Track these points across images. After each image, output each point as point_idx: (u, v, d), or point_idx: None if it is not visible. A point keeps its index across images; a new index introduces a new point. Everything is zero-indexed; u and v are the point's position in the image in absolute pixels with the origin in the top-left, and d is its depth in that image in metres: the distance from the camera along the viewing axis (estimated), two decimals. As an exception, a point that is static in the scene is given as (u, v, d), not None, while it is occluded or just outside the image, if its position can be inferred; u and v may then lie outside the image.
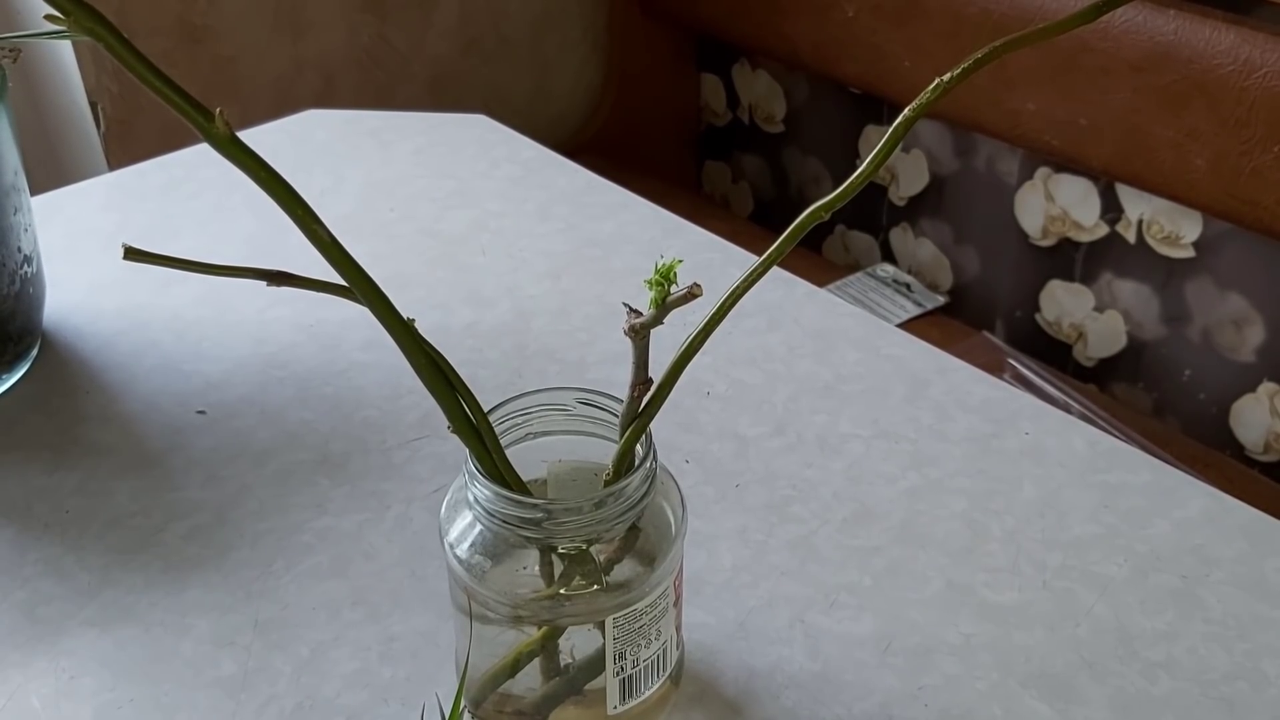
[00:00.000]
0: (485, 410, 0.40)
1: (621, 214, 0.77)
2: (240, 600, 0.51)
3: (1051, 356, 1.35)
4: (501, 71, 1.53)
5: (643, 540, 0.42)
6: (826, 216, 0.38)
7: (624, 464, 0.41)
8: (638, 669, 0.43)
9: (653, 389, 0.40)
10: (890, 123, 0.45)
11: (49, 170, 1.31)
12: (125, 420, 0.60)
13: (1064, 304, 1.34)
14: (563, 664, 0.43)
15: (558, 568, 0.41)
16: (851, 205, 0.42)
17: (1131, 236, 1.25)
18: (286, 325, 0.67)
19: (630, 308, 0.38)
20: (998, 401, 0.62)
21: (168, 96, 0.34)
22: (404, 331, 0.38)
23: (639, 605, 0.41)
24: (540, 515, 0.40)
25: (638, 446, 0.41)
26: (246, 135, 0.75)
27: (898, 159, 1.45)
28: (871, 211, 1.52)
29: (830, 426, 0.60)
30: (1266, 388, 1.20)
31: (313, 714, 0.46)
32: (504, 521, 0.40)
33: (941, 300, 1.39)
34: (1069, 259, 1.32)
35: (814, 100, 1.55)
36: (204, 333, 0.66)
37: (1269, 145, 1.05)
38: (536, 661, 0.43)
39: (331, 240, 0.36)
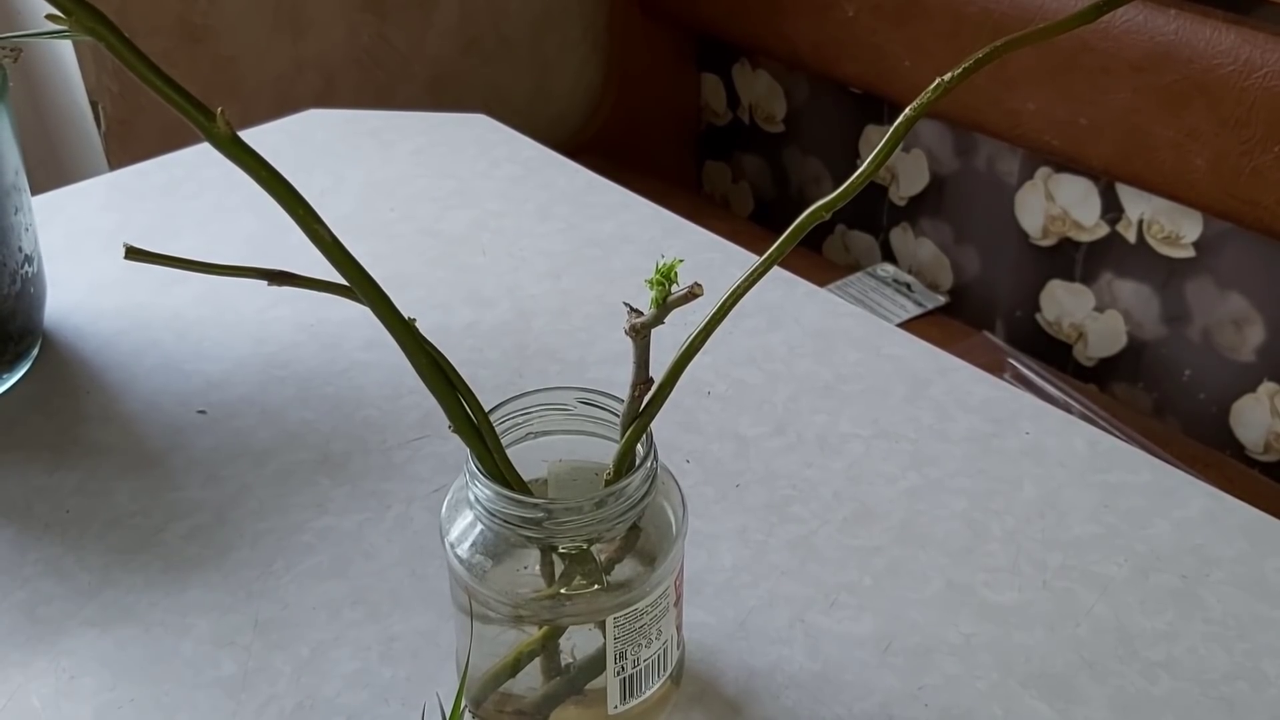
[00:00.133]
0: (486, 410, 0.40)
1: (621, 214, 0.77)
2: (240, 600, 0.51)
3: (1051, 356, 1.35)
4: (501, 71, 1.53)
5: (643, 540, 0.42)
6: (827, 216, 0.38)
7: (625, 464, 0.41)
8: (638, 668, 0.43)
9: (653, 389, 0.40)
10: (890, 123, 0.45)
11: (49, 170, 1.31)
12: (125, 420, 0.60)
13: (1064, 304, 1.34)
14: (563, 664, 0.43)
15: (558, 567, 0.41)
16: (852, 205, 0.42)
17: (1132, 236, 1.25)
18: (287, 325, 0.67)
19: (631, 307, 0.38)
20: (998, 401, 0.62)
21: (168, 96, 0.34)
22: (405, 331, 0.38)
23: (640, 605, 0.41)
24: (541, 515, 0.40)
25: (638, 446, 0.41)
26: (247, 135, 0.75)
27: (898, 159, 1.45)
28: (872, 211, 1.52)
29: (830, 426, 0.60)
30: (1266, 388, 1.20)
31: (313, 714, 0.46)
32: (505, 521, 0.40)
33: (942, 300, 1.39)
34: (1069, 259, 1.32)
35: (814, 100, 1.55)
36: (204, 332, 0.66)
37: (1269, 145, 1.05)
38: (537, 661, 0.43)
39: (332, 240, 0.36)
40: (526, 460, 0.42)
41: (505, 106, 1.51)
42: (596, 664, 0.42)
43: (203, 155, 0.82)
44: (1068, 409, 1.11)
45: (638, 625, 0.42)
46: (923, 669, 0.48)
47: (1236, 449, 1.23)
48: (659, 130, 1.70)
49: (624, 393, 0.40)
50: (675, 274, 0.37)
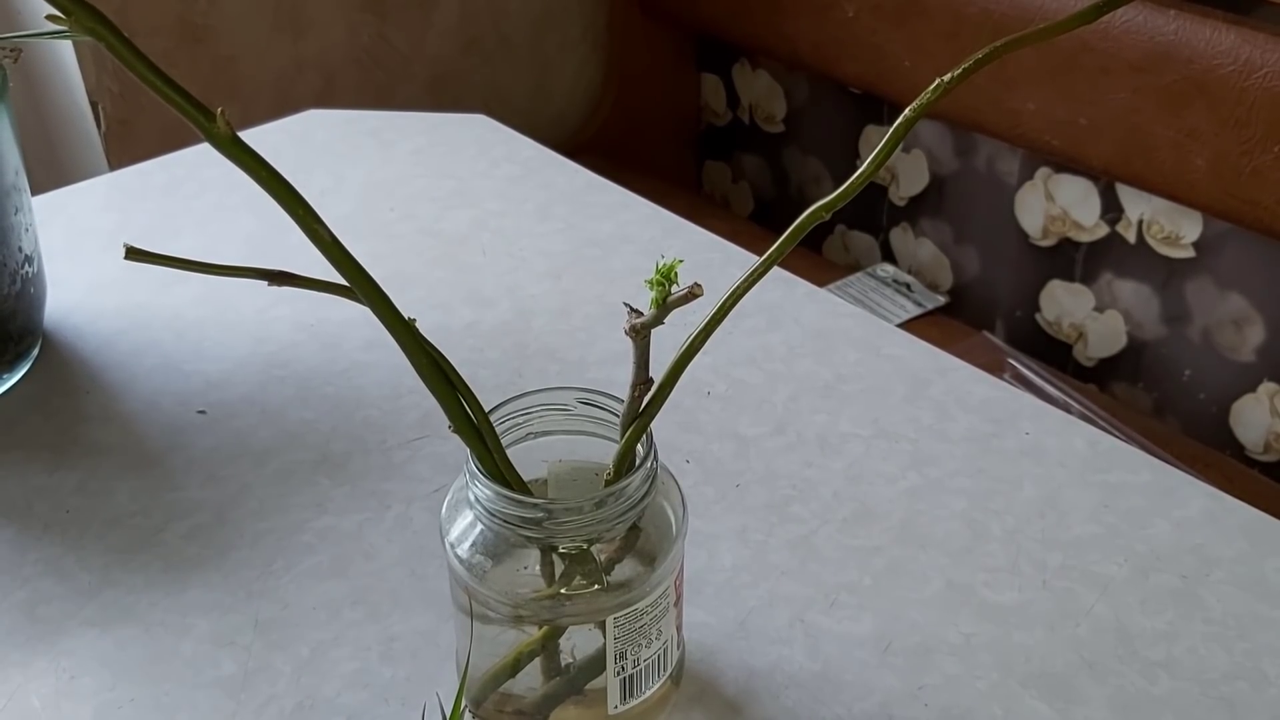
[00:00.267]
0: (486, 410, 0.40)
1: (621, 214, 0.77)
2: (240, 600, 0.51)
3: (1051, 356, 1.35)
4: (501, 71, 1.53)
5: (643, 540, 0.42)
6: (827, 216, 0.38)
7: (624, 464, 0.41)
8: (638, 669, 0.43)
9: (653, 389, 0.40)
10: (890, 123, 0.45)
11: (49, 170, 1.31)
12: (125, 420, 0.60)
13: (1064, 304, 1.34)
14: (563, 664, 0.43)
15: (558, 567, 0.41)
16: (852, 205, 0.42)
17: (1132, 236, 1.25)
18: (287, 325, 0.67)
19: (631, 308, 0.38)
20: (998, 401, 0.62)
21: (168, 96, 0.34)
22: (405, 331, 0.38)
23: (640, 605, 0.41)
24: (541, 515, 0.40)
25: (638, 446, 0.41)
26: (247, 135, 0.76)
27: (898, 159, 1.45)
28: (872, 211, 1.52)
29: (830, 426, 0.60)
30: (1266, 388, 1.20)
31: (313, 714, 0.46)
32: (505, 521, 0.40)
33: (941, 300, 1.39)
34: (1069, 259, 1.32)
35: (814, 100, 1.55)
36: (204, 332, 0.66)
37: (1269, 145, 1.05)
38: (537, 661, 0.43)
39: (332, 240, 0.36)
40: (526, 460, 0.42)
41: (505, 106, 1.51)
42: (596, 664, 0.42)
43: (203, 155, 0.82)
44: (1068, 409, 1.11)
45: (638, 625, 0.42)
46: (923, 669, 0.48)
47: (1236, 449, 1.23)
48: (659, 130, 1.70)
49: (624, 393, 0.40)
50: (675, 274, 0.37)
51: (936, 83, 0.37)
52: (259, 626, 0.49)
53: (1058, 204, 1.30)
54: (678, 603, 0.44)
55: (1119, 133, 1.14)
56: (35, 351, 0.64)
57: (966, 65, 0.36)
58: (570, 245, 0.74)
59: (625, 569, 0.41)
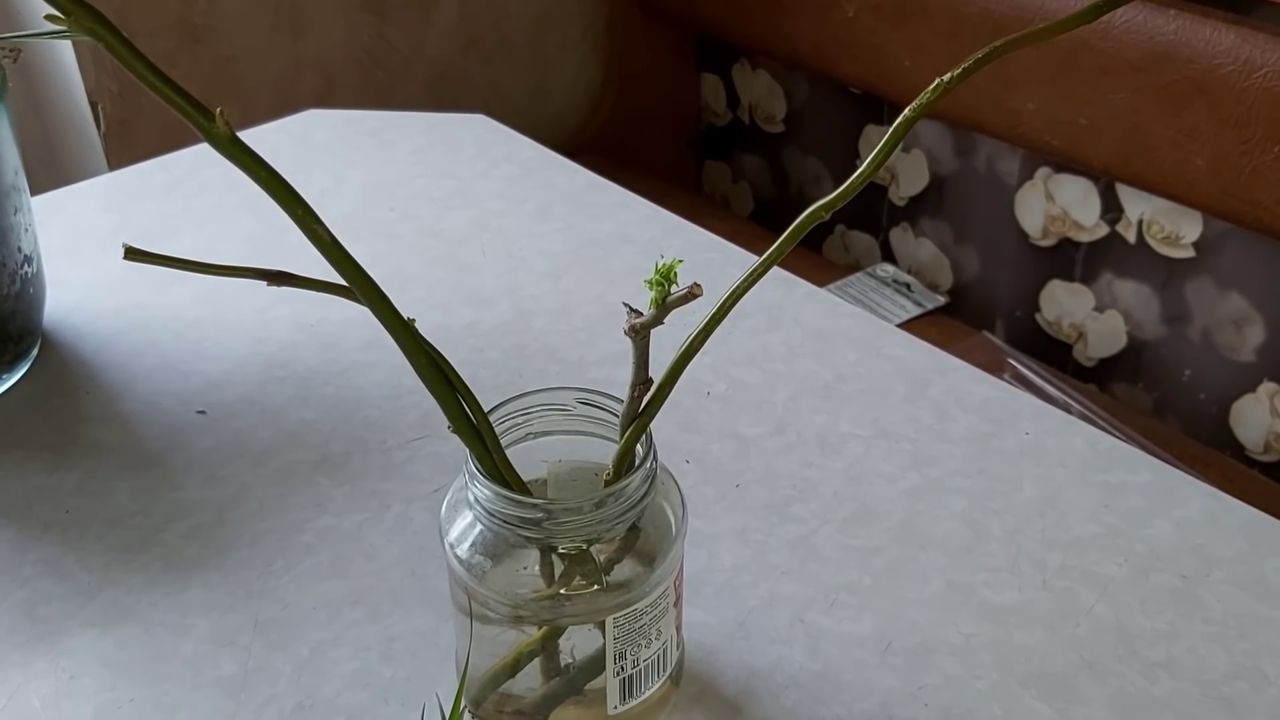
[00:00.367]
0: (485, 410, 0.40)
1: (621, 214, 0.77)
2: (240, 600, 0.51)
3: (1051, 356, 1.35)
4: (501, 71, 1.53)
5: (643, 540, 0.42)
6: (827, 216, 0.38)
7: (624, 464, 0.41)
8: (638, 669, 0.43)
9: (653, 389, 0.40)
10: (890, 123, 0.45)
11: (49, 170, 1.31)
12: (125, 420, 0.60)
13: (1064, 304, 1.34)
14: (563, 664, 0.43)
15: (558, 568, 0.41)
16: (851, 205, 0.42)
17: (1131, 236, 1.25)
18: (287, 325, 0.67)
19: (630, 308, 0.38)
20: (998, 401, 0.62)
21: (168, 96, 0.34)
22: (404, 331, 0.38)
23: (639, 605, 0.41)
24: (540, 515, 0.40)
25: (638, 446, 0.41)
26: (247, 135, 0.76)
27: (898, 159, 1.45)
28: (871, 211, 1.52)
29: (830, 426, 0.60)
30: (1266, 388, 1.20)
31: (313, 714, 0.46)
32: (504, 521, 0.40)
33: (941, 300, 1.39)
34: (1069, 259, 1.32)
35: (814, 100, 1.55)
36: (204, 333, 0.66)
37: (1269, 145, 1.05)
38: (537, 661, 0.43)
39: (332, 240, 0.36)
40: (526, 460, 0.42)
41: (505, 106, 1.51)
42: (596, 664, 0.42)
43: (203, 155, 0.82)
44: (1067, 409, 1.11)
45: (637, 625, 0.42)
46: (923, 669, 0.48)
47: (1236, 449, 1.23)
48: (659, 130, 1.70)
49: (624, 393, 0.40)
50: (675, 274, 0.37)
51: (936, 83, 0.37)
52: (259, 626, 0.49)
53: (1058, 204, 1.30)
54: (677, 603, 0.44)
55: (1119, 133, 1.14)
56: (35, 352, 0.64)
57: (966, 65, 0.36)
58: (570, 245, 0.74)
59: (625, 569, 0.41)
